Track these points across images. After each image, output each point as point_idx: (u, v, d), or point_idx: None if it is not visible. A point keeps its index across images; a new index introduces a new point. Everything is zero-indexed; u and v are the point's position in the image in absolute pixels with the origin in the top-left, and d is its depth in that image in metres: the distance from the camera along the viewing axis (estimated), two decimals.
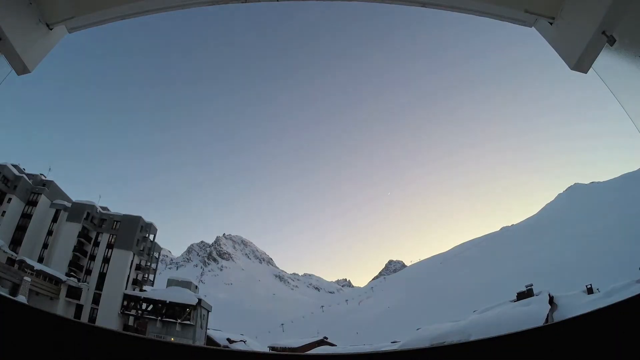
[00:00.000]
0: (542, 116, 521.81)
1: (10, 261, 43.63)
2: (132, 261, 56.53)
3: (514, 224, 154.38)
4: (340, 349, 65.18)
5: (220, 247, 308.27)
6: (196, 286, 61.89)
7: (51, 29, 2.38)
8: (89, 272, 54.20)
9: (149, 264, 61.68)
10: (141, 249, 59.36)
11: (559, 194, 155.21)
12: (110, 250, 55.87)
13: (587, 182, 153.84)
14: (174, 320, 52.52)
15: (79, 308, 51.16)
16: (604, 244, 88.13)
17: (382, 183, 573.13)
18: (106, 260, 55.20)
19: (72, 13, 2.40)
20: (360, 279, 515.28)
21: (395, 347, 49.89)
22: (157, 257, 65.77)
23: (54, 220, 53.54)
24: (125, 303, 52.73)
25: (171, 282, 60.09)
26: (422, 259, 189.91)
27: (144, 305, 52.93)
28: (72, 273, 51.86)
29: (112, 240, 56.69)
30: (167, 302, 52.88)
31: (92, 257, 55.24)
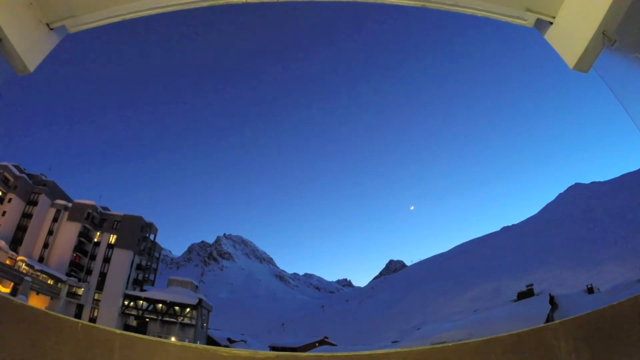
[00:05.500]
0: (542, 116, 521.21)
1: (11, 261, 43.71)
2: (133, 261, 56.55)
3: (515, 223, 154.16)
4: (340, 349, 65.17)
5: (221, 247, 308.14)
6: (197, 286, 61.95)
7: (51, 29, 2.38)
8: (89, 272, 54.24)
9: (149, 263, 61.71)
10: (142, 248, 59.38)
11: (560, 194, 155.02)
12: (110, 250, 55.90)
13: (587, 181, 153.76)
14: (175, 320, 52.58)
15: (79, 308, 51.21)
16: (604, 244, 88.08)
17: (383, 184, 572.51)
18: (107, 260, 55.23)
19: (72, 13, 2.40)
20: (361, 279, 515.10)
21: (395, 347, 49.89)
22: (157, 256, 65.81)
23: (55, 220, 53.58)
24: (125, 303, 52.77)
25: (172, 282, 60.17)
26: (422, 258, 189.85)
27: (144, 305, 52.98)
28: (72, 273, 51.90)
29: (113, 240, 56.74)
30: (168, 302, 52.94)
31: (93, 257, 55.29)
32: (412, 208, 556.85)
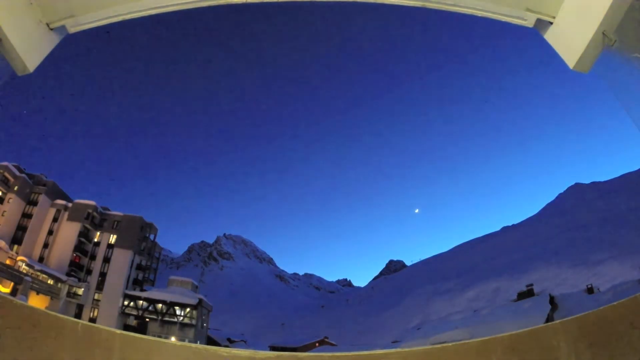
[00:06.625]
0: (542, 116, 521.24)
1: (11, 261, 43.73)
2: (133, 261, 56.59)
3: (515, 223, 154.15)
4: (340, 349, 65.18)
5: (221, 247, 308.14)
6: (197, 286, 62.01)
7: (51, 29, 2.38)
8: (89, 271, 54.27)
9: (149, 263, 61.75)
10: (142, 248, 59.41)
11: (560, 194, 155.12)
12: (110, 250, 55.95)
13: (587, 181, 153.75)
14: (175, 320, 52.60)
15: (79, 308, 51.24)
16: (604, 244, 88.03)
17: (383, 183, 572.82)
18: (107, 260, 55.27)
19: (72, 13, 2.40)
20: (361, 279, 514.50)
21: (395, 347, 49.92)
22: (157, 256, 65.85)
23: (55, 220, 53.62)
24: (125, 303, 52.81)
25: (172, 282, 60.24)
26: (422, 258, 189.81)
27: (144, 305, 53.02)
28: (72, 273, 51.92)
29: (113, 240, 56.79)
30: (168, 302, 52.96)
31: (93, 257, 55.33)
32: (416, 211, 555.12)
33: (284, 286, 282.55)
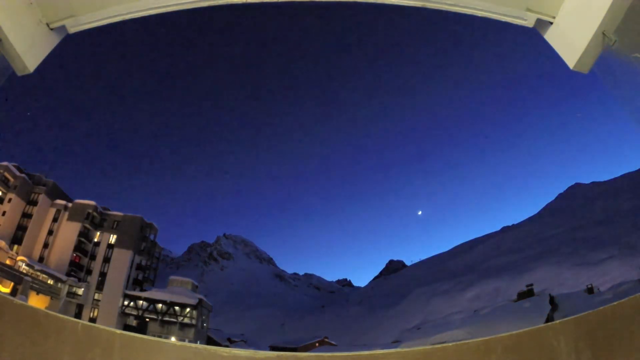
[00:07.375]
0: (542, 116, 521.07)
1: (11, 261, 43.73)
2: (133, 261, 56.60)
3: (515, 223, 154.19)
4: (340, 349, 65.14)
5: (221, 247, 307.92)
6: (197, 286, 62.02)
7: (51, 29, 2.38)
8: (89, 271, 54.29)
9: (149, 263, 61.76)
10: (142, 248, 59.41)
11: (559, 194, 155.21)
12: (110, 250, 55.95)
13: (587, 181, 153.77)
14: (175, 320, 52.61)
15: (79, 308, 51.25)
16: (604, 244, 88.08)
17: (383, 183, 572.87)
18: (107, 260, 55.29)
19: (72, 13, 2.40)
20: (361, 279, 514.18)
21: (395, 347, 49.96)
22: (157, 256, 65.85)
23: (55, 220, 53.62)
24: (125, 303, 52.82)
25: (172, 282, 60.25)
26: (422, 258, 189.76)
27: (144, 305, 53.03)
28: (72, 273, 51.92)
29: (113, 240, 56.79)
30: (168, 302, 52.97)
31: (93, 257, 55.33)
32: (419, 213, 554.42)
33: (284, 286, 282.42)
